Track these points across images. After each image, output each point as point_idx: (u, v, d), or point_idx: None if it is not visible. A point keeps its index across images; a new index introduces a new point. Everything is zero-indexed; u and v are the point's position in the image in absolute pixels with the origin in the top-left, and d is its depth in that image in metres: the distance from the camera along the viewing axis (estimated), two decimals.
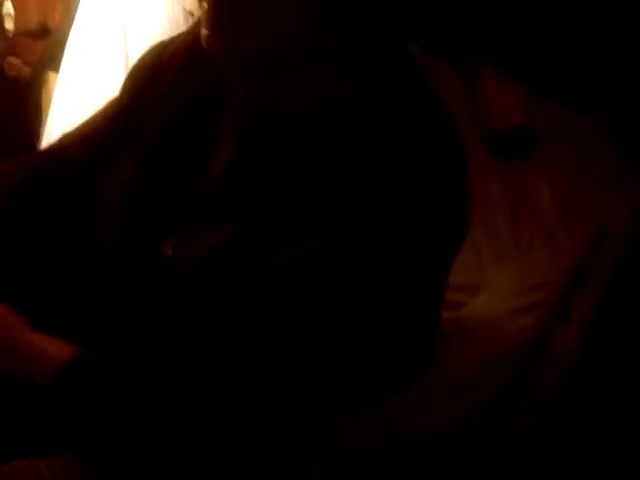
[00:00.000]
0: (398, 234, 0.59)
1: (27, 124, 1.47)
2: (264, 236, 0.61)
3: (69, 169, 0.77)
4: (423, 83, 0.66)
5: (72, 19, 1.28)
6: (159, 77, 0.73)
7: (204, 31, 0.59)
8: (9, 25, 1.32)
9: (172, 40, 0.77)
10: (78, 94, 1.21)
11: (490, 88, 1.53)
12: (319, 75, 0.62)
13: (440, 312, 0.71)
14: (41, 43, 1.46)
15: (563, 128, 1.58)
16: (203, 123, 0.69)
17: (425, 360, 0.74)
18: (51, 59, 1.39)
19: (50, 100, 1.35)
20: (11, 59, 1.47)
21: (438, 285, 0.67)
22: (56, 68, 1.34)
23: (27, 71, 1.47)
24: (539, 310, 1.14)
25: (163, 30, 1.22)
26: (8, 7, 1.32)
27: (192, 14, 1.25)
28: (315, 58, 0.61)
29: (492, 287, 1.20)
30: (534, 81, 1.59)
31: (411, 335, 0.65)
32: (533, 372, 1.05)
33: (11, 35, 1.34)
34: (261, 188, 0.63)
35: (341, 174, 0.59)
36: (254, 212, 0.62)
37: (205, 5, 0.60)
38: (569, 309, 1.17)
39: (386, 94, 0.62)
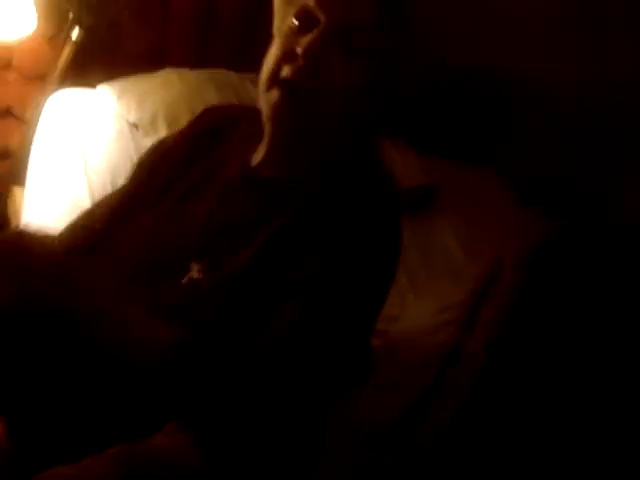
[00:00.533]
0: (357, 277, 0.81)
1: None
2: (273, 262, 0.81)
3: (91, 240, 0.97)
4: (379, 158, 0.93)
5: (31, 141, 1.45)
6: (164, 161, 0.98)
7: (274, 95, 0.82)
8: None
9: (170, 136, 1.07)
10: (45, 203, 1.35)
11: (391, 156, 1.80)
12: (342, 142, 0.88)
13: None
14: (3, 164, 1.65)
15: (458, 180, 1.86)
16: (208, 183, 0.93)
17: (367, 368, 0.96)
18: (15, 176, 1.55)
19: (16, 210, 1.50)
20: None
21: (377, 313, 0.89)
22: (21, 182, 1.50)
23: None
24: (450, 327, 1.35)
25: (112, 139, 1.43)
26: None
27: (136, 126, 1.46)
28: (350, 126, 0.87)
29: (411, 314, 1.42)
30: (427, 144, 1.87)
31: (362, 346, 0.89)
32: (448, 377, 1.26)
33: None
34: (272, 225, 0.84)
35: (325, 222, 0.82)
36: (265, 244, 0.83)
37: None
38: (474, 324, 1.39)
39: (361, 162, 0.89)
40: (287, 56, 0.83)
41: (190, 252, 0.88)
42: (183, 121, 1.42)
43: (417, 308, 1.41)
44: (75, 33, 1.48)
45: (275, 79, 0.84)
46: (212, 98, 1.46)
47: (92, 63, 1.57)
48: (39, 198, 1.36)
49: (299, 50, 0.81)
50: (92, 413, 0.80)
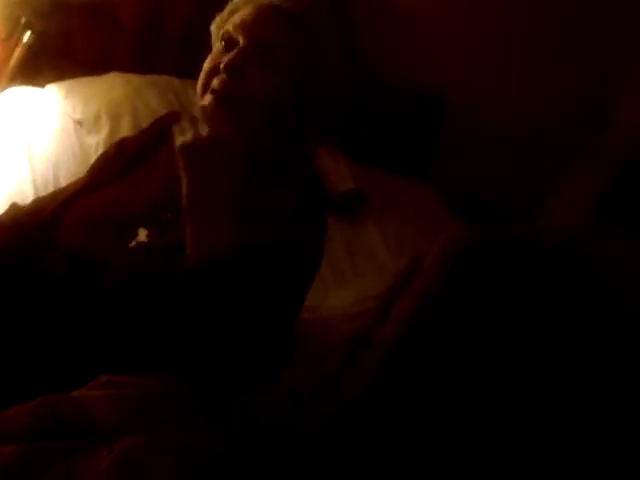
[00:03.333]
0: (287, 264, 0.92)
1: None
2: None
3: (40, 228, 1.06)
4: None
5: None
6: (121, 154, 1.12)
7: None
8: None
9: (128, 136, 1.19)
10: None
11: (325, 163, 1.92)
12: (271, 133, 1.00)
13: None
14: None
15: (388, 187, 1.99)
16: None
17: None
18: None
19: None
20: None
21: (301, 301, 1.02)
22: None
23: None
24: (366, 315, 1.48)
25: (57, 134, 1.49)
26: None
27: (80, 123, 1.53)
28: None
29: (332, 304, 1.53)
30: (359, 153, 2.00)
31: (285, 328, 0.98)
32: (358, 358, 1.38)
33: None
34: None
35: (261, 201, 0.94)
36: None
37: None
38: (388, 314, 1.52)
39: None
40: (213, 70, 0.98)
41: (138, 220, 0.99)
42: (125, 120, 1.53)
43: (338, 299, 1.52)
44: (27, 36, 1.56)
45: (206, 88, 0.98)
46: (153, 100, 1.56)
47: (42, 65, 1.63)
48: None
49: (222, 66, 0.96)
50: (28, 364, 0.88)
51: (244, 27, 0.98)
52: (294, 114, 1.03)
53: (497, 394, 1.45)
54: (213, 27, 1.04)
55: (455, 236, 1.87)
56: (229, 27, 0.99)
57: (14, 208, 1.14)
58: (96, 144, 1.49)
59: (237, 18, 1.00)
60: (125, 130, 1.48)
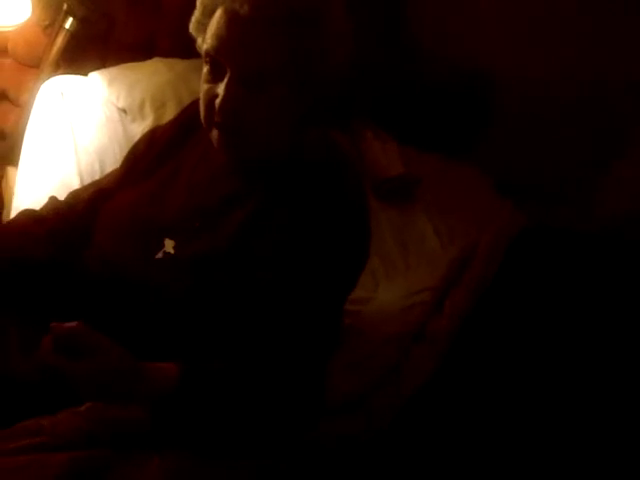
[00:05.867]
0: (324, 264, 0.89)
1: None
2: (242, 243, 0.91)
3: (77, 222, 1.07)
4: (337, 148, 1.00)
5: (25, 124, 1.49)
6: (151, 146, 1.10)
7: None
8: None
9: (159, 125, 1.16)
10: (36, 182, 1.37)
11: (373, 147, 1.85)
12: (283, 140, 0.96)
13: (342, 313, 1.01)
14: None
15: (437, 171, 1.91)
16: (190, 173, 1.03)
17: (334, 343, 1.00)
18: (9, 157, 1.58)
19: (9, 189, 1.52)
20: None
21: (344, 297, 0.98)
22: (15, 164, 1.53)
23: None
24: (420, 307, 1.41)
25: (101, 123, 1.46)
26: None
27: (124, 111, 1.50)
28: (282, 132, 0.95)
29: (384, 296, 1.47)
30: (408, 136, 1.93)
31: (328, 325, 0.94)
32: (414, 353, 1.32)
33: None
34: (243, 209, 0.93)
35: (289, 208, 0.91)
36: (235, 226, 0.92)
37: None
38: (442, 305, 1.46)
39: (316, 154, 0.97)
40: (210, 106, 0.91)
41: (165, 230, 0.96)
42: (169, 107, 1.49)
43: (390, 291, 1.46)
44: (69, 23, 1.52)
45: (209, 122, 0.93)
46: (197, 85, 1.50)
47: (85, 52, 1.61)
48: (31, 178, 1.38)
49: (217, 103, 0.90)
50: None
51: (226, 51, 0.88)
52: (304, 106, 0.95)
53: (559, 382, 1.39)
54: (192, 29, 0.95)
55: (506, 223, 1.81)
56: (209, 47, 0.90)
57: (53, 202, 1.12)
58: (141, 133, 1.42)
59: (215, 36, 0.89)
60: (170, 117, 1.41)
